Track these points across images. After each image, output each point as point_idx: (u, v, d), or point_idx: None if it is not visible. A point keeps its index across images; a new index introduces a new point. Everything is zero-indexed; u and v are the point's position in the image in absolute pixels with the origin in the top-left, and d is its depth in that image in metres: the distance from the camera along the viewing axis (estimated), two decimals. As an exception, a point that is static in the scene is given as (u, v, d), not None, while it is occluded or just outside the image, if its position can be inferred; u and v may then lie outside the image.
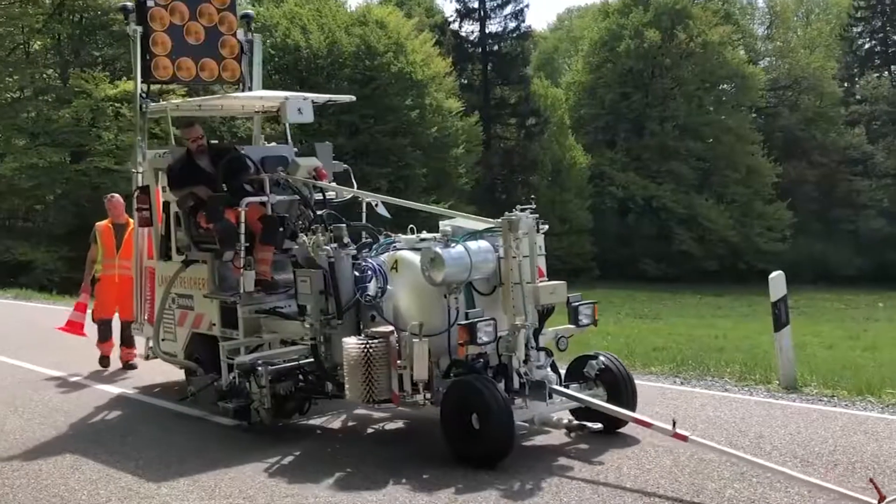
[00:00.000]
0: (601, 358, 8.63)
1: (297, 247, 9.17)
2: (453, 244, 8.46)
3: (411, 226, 9.26)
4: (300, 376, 9.30)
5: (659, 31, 59.29)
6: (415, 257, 8.64)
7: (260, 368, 9.02)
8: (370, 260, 8.80)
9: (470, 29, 61.21)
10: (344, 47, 48.08)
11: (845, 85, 62.60)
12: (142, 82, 11.34)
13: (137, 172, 11.52)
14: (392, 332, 8.23)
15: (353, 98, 12.54)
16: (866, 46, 64.74)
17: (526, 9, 62.65)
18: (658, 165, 59.20)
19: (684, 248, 57.01)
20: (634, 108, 60.39)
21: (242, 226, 9.84)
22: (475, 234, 8.68)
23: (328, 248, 8.81)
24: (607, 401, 8.33)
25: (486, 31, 60.55)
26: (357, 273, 8.80)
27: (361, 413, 9.88)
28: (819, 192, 61.06)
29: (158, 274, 11.34)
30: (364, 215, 10.75)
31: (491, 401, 7.74)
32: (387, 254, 8.94)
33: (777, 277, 11.16)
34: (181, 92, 19.55)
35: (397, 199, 10.51)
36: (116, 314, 13.40)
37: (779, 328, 11.07)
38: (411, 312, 8.62)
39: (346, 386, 8.39)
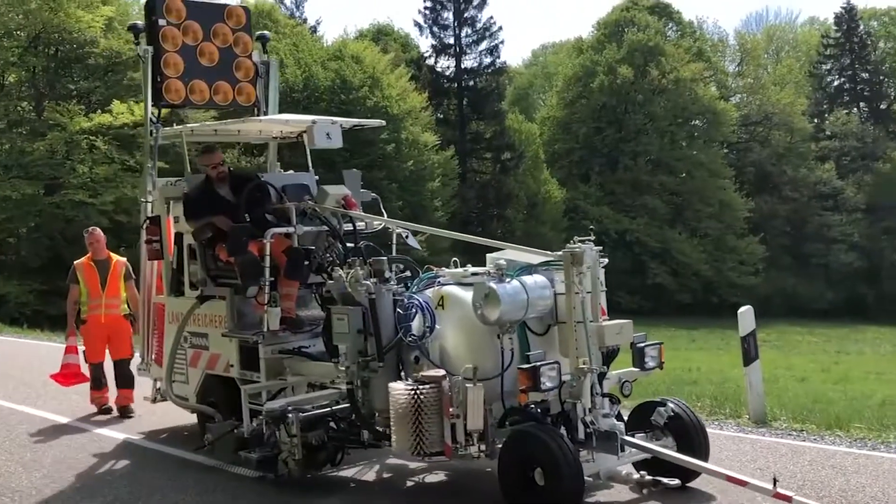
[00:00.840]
0: (670, 404, 7.80)
1: (331, 282, 8.28)
2: (508, 279, 7.63)
3: (455, 259, 8.42)
4: (332, 424, 8.40)
5: (632, 67, 59.10)
6: (464, 293, 7.82)
7: (291, 416, 8.11)
8: (415, 296, 7.93)
9: (446, 64, 60.71)
10: (320, 81, 47.52)
11: (815, 121, 62.56)
12: (152, 106, 10.46)
13: (147, 202, 10.61)
14: (444, 376, 7.37)
15: (383, 123, 11.72)
16: (835, 83, 64.83)
17: (501, 45, 62.39)
18: (631, 200, 58.85)
19: (658, 282, 56.65)
20: (608, 142, 60.06)
21: (268, 259, 8.97)
22: (529, 268, 7.86)
23: (368, 282, 7.95)
24: (677, 451, 7.49)
25: (462, 66, 60.01)
26: (399, 310, 7.94)
27: (397, 463, 8.98)
28: (790, 226, 60.92)
29: (169, 310, 10.42)
30: (394, 247, 9.91)
31: (559, 454, 6.91)
32: (431, 289, 8.08)
33: (746, 312, 11.15)
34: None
35: (438, 230, 9.66)
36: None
37: (748, 363, 11.06)
38: (460, 354, 7.78)
39: (393, 436, 7.51)
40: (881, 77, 65.05)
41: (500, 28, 61.37)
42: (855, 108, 63.49)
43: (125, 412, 11.88)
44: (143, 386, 11.63)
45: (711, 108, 59.63)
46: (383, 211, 9.99)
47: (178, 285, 10.28)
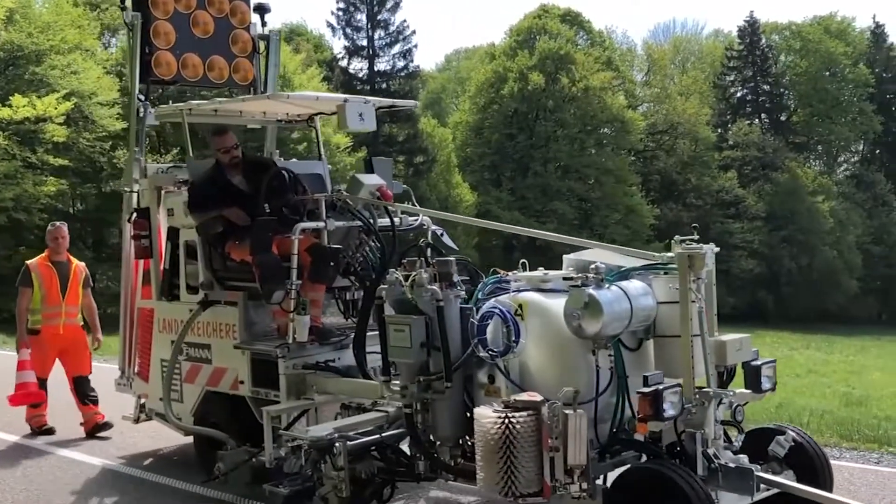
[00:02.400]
0: (790, 432, 6.54)
1: (385, 287, 6.84)
2: (607, 285, 6.29)
3: (523, 261, 7.06)
4: (380, 453, 6.96)
5: (543, 74, 58.28)
6: (548, 301, 6.48)
7: (338, 445, 6.64)
8: (496, 303, 6.54)
9: (359, 66, 59.02)
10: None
11: (718, 131, 62.64)
12: (139, 82, 8.88)
13: (132, 191, 9.00)
14: (543, 401, 5.99)
15: (416, 104, 10.29)
16: (738, 95, 65.02)
17: (414, 49, 60.69)
18: (542, 205, 58.02)
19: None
20: (519, 148, 59.14)
21: (295, 259, 7.50)
22: (624, 273, 6.55)
23: (434, 287, 6.54)
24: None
25: (375, 69, 58.49)
26: (473, 320, 6.56)
27: (443, 495, 7.57)
28: (694, 232, 60.76)
29: (158, 317, 8.85)
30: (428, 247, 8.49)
31: (692, 496, 5.61)
32: (505, 296, 6.69)
33: None
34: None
35: (503, 225, 8.32)
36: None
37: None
38: (546, 373, 6.44)
39: (479, 472, 6.09)
40: (781, 89, 65.50)
41: (414, 32, 59.84)
42: (756, 119, 63.77)
43: (103, 428, 10.18)
44: (114, 403, 9.94)
45: (620, 116, 59.15)
46: (416, 205, 8.54)
47: (170, 288, 8.70)
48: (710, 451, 6.09)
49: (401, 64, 59.19)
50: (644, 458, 6.36)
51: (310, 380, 7.73)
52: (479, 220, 8.64)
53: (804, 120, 64.33)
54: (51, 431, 10.39)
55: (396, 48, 59.00)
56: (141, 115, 9.01)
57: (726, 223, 60.12)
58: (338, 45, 68.98)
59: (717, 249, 6.33)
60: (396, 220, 7.97)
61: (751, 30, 63.16)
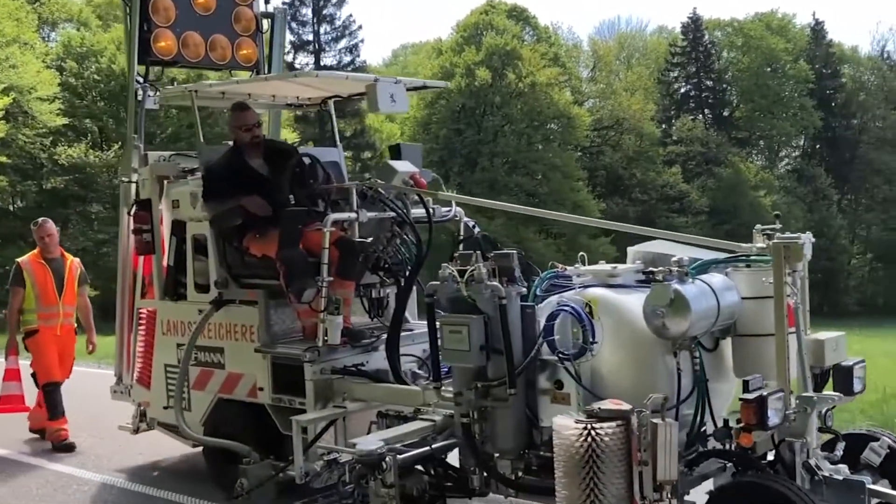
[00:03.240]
0: (885, 438, 5.93)
1: (436, 283, 6.12)
2: (690, 279, 5.64)
3: (582, 254, 6.38)
4: (429, 467, 6.25)
5: (490, 70, 57.72)
6: (623, 297, 5.83)
7: (388, 459, 5.90)
8: (565, 300, 5.85)
9: (305, 61, 57.86)
10: (175, 73, 44.07)
11: (663, 126, 62.52)
12: (138, 63, 8.06)
13: (131, 182, 8.17)
14: (632, 410, 5.30)
15: (447, 84, 9.53)
16: (682, 90, 65.02)
17: (361, 44, 60.17)
18: (490, 200, 57.49)
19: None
20: (467, 143, 58.54)
21: (326, 253, 6.74)
22: (704, 266, 5.90)
23: (494, 284, 5.83)
24: None
25: (321, 63, 57.44)
26: (540, 319, 5.88)
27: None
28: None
29: (162, 319, 8.04)
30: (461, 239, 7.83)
31: (808, 514, 4.98)
32: (570, 293, 6.01)
33: None
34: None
35: (547, 212, 7.59)
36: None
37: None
38: (621, 377, 5.78)
39: (559, 491, 5.39)
40: (724, 85, 65.58)
41: (360, 27, 59.19)
42: (700, 115, 63.79)
43: (64, 447, 9.37)
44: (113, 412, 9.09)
45: (566, 112, 58.76)
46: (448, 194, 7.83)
47: (175, 287, 7.89)
48: (812, 461, 5.45)
49: (347, 59, 58.24)
50: (731, 470, 5.70)
51: (339, 386, 6.99)
52: (522, 207, 7.92)
53: (746, 115, 64.50)
54: (71, 448, 9.45)
55: (342, 43, 58.19)
56: (139, 98, 8.18)
57: (671, 217, 60.08)
58: (283, 39, 67.71)
59: (813, 240, 5.67)
60: (431, 210, 7.25)
61: (694, 26, 63.17)
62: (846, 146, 64.33)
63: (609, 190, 60.93)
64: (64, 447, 9.38)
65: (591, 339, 5.66)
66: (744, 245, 5.91)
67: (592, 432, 5.18)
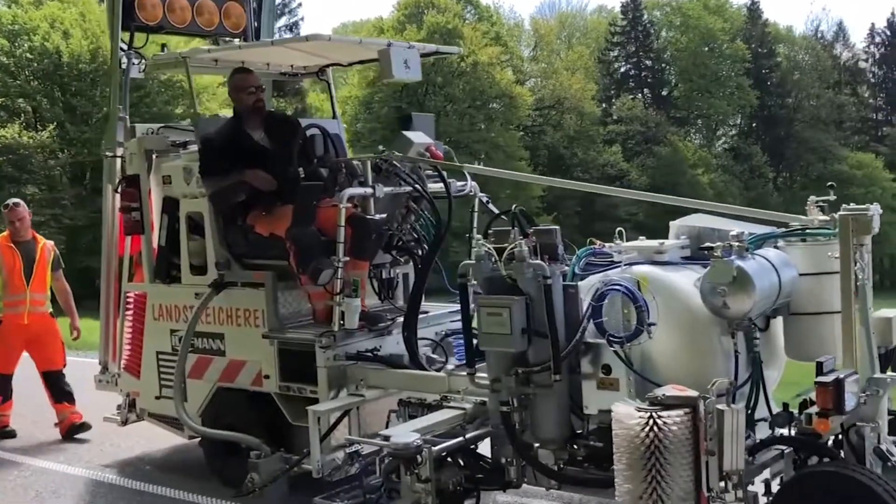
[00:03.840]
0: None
1: (470, 262, 5.64)
2: (750, 255, 5.23)
3: (620, 229, 5.94)
4: (463, 459, 5.79)
5: (432, 49, 57.11)
6: (674, 275, 5.41)
7: (424, 452, 5.41)
8: (616, 279, 5.40)
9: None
10: (107, 53, 42.79)
11: (603, 105, 62.56)
12: (122, 29, 7.45)
13: (117, 156, 7.55)
14: (699, 397, 4.88)
15: (461, 50, 9.00)
16: (622, 70, 65.08)
17: (301, 22, 59.10)
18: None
19: (460, 260, 55.06)
20: (409, 123, 57.92)
21: (342, 231, 6.22)
22: (759, 241, 5.50)
23: (538, 262, 5.37)
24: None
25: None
26: (589, 300, 5.43)
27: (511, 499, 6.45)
28: (581, 206, 60.63)
29: (152, 303, 7.45)
30: (475, 216, 7.39)
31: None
32: (615, 272, 5.57)
33: None
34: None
35: (572, 182, 7.14)
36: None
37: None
38: (675, 360, 5.36)
39: (620, 485, 4.95)
40: (663, 64, 65.81)
41: (300, 4, 58.20)
42: (640, 94, 63.97)
43: (80, 429, 8.68)
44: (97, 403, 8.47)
45: (508, 91, 58.37)
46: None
47: (168, 269, 7.31)
48: (883, 446, 5.08)
49: (287, 37, 57.24)
50: (790, 458, 5.31)
51: (354, 373, 6.48)
52: (545, 178, 7.43)
53: (685, 94, 64.76)
54: (11, 434, 8.84)
55: (282, 21, 57.46)
56: (124, 67, 7.57)
57: (611, 197, 60.19)
58: (219, 17, 66.48)
59: (881, 211, 5.28)
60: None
61: (633, 6, 63.22)
62: (781, 124, 64.93)
63: (551, 169, 60.67)
64: (4, 433, 8.85)
65: (647, 321, 5.20)
66: (803, 217, 5.50)
67: (659, 421, 4.75)
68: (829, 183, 5.79)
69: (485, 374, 5.70)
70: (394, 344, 6.76)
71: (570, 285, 5.54)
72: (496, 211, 7.32)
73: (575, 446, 5.55)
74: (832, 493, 4.76)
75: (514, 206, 5.84)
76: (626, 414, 4.88)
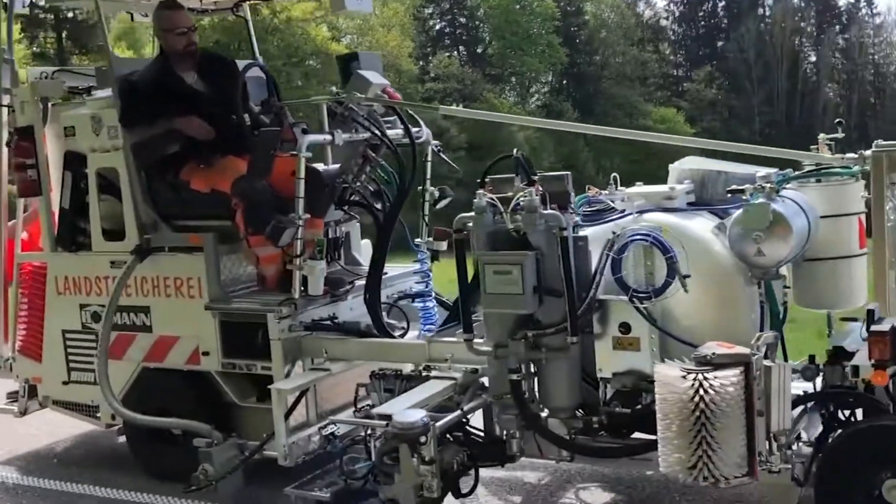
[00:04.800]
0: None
1: (471, 215, 4.98)
2: (779, 198, 4.78)
3: (615, 174, 5.41)
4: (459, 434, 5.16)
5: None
6: (692, 223, 4.92)
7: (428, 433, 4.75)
8: (638, 228, 4.85)
9: (34, -3, 53.27)
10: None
11: (420, 63, 62.02)
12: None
13: (3, 105, 6.46)
14: (750, 355, 4.40)
15: None
16: (437, 27, 64.70)
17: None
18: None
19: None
20: (223, 82, 56.02)
21: (302, 184, 5.44)
22: (781, 182, 5.05)
23: (551, 212, 4.77)
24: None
25: (42, 4, 52.95)
26: (607, 252, 4.86)
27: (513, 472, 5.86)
28: (838, 129, 59.73)
29: (54, 275, 6.44)
30: (429, 165, 6.70)
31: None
32: (626, 220, 5.02)
33: None
34: None
35: (576, 125, 6.51)
36: None
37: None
38: (700, 315, 4.85)
39: (664, 453, 4.43)
40: (477, 22, 65.77)
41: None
42: (455, 52, 63.76)
43: None
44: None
45: (324, 48, 57.09)
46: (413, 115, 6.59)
47: (72, 235, 6.32)
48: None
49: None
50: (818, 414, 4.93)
51: (311, 344, 5.72)
52: (531, 119, 6.80)
53: (499, 52, 64.87)
54: None
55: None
56: (6, 1, 6.47)
57: (432, 154, 59.99)
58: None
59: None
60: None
61: (446, -37, 62.86)
62: (590, 81, 66.10)
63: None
64: None
65: (682, 272, 4.68)
66: (825, 156, 5.08)
67: (715, 382, 4.24)
68: (838, 119, 5.39)
69: (482, 340, 5.07)
70: (346, 310, 6.05)
71: (579, 237, 4.96)
72: (449, 161, 6.70)
73: (589, 414, 5.00)
74: (881, 444, 4.40)
75: (515, 151, 5.16)
76: (672, 376, 4.36)
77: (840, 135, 5.17)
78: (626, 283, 4.79)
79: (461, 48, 64.43)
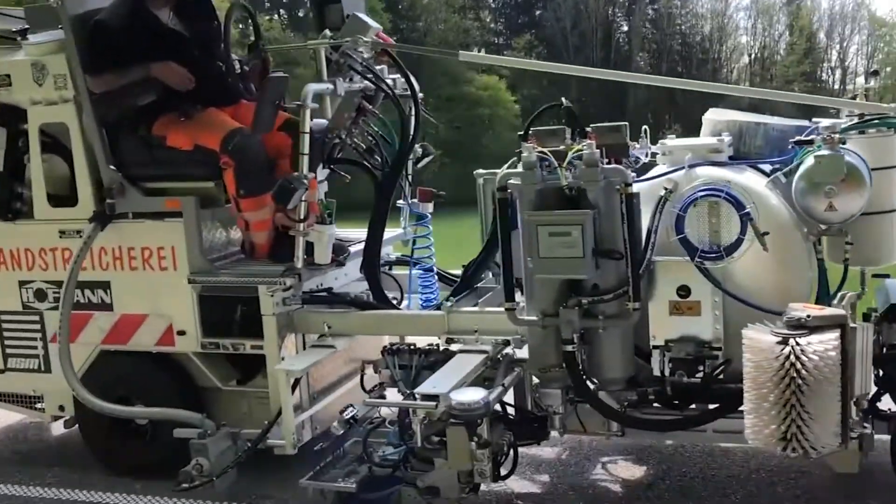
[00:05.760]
0: None
1: (517, 171, 4.47)
2: (844, 149, 4.49)
3: (645, 126, 5.00)
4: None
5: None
6: (746, 178, 4.58)
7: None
8: (714, 183, 4.46)
9: None
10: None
11: (241, 27, 60.06)
12: None
13: (-80, 51, 5.52)
14: (845, 315, 4.10)
15: None
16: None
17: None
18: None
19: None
20: None
21: (306, 139, 4.82)
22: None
23: (616, 167, 4.34)
24: None
25: None
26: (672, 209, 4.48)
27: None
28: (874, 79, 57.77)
29: (-13, 246, 5.55)
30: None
31: None
32: (677, 175, 4.63)
33: None
34: None
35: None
36: None
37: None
38: (760, 275, 4.53)
39: (752, 424, 4.08)
40: (295, -11, 64.39)
41: None
42: (276, 15, 62.17)
43: None
44: None
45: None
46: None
47: (9, 201, 5.48)
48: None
49: None
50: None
51: (307, 319, 5.11)
52: (551, 65, 6.29)
53: (320, 17, 63.85)
54: None
55: None
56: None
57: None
58: None
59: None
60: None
61: (266, -76, 61.04)
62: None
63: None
64: None
65: (760, 230, 4.32)
66: (883, 105, 4.82)
67: (818, 346, 3.92)
68: (874, 69, 5.14)
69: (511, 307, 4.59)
70: (331, 280, 5.45)
71: (632, 194, 4.53)
72: (431, 116, 6.13)
73: (636, 386, 4.62)
74: None
75: (563, 99, 4.67)
76: (764, 340, 4.01)
77: (874, 83, 4.90)
78: (692, 243, 4.40)
79: (282, 11, 62.88)
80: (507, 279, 4.57)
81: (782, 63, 40.27)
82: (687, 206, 4.40)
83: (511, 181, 4.45)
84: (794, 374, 3.89)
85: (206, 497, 4.95)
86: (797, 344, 3.91)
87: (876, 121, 4.75)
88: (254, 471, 5.14)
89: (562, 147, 4.40)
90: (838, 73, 46.60)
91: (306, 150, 4.81)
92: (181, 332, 5.18)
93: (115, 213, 5.15)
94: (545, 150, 4.37)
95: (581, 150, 4.31)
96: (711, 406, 4.58)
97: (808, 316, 4.03)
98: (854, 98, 4.93)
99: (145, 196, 5.20)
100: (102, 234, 5.19)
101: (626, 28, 73.60)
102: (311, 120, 5.04)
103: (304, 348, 5.19)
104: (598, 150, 4.32)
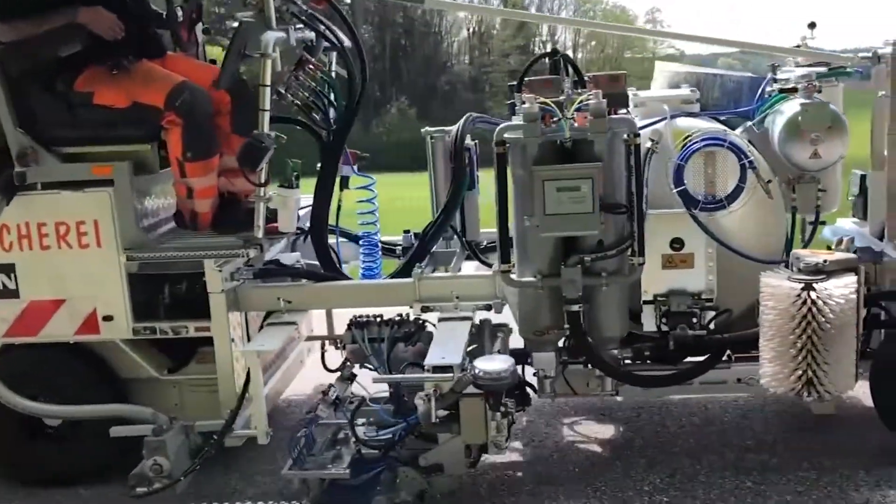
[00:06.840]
0: None
1: (511, 123, 4.21)
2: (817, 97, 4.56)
3: (623, 71, 4.81)
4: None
5: None
6: (720, 128, 4.58)
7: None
8: (712, 133, 4.37)
9: None
10: None
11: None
12: None
13: None
14: (858, 259, 4.16)
15: None
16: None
17: None
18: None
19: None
20: None
21: (267, 94, 4.32)
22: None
23: (624, 117, 4.19)
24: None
25: None
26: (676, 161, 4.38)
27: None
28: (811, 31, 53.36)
29: None
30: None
31: None
32: (657, 127, 4.52)
33: None
34: None
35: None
36: None
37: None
38: (744, 224, 4.54)
39: (769, 370, 4.07)
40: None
41: None
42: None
43: None
44: None
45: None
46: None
47: None
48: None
49: None
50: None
51: (263, 295, 4.60)
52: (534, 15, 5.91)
53: None
54: None
55: None
56: None
57: None
58: None
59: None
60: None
61: None
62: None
63: None
64: None
65: (764, 179, 4.30)
66: (842, 55, 4.91)
67: (841, 290, 3.96)
68: (812, 21, 5.21)
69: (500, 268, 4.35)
70: (276, 251, 4.97)
71: (639, 145, 4.36)
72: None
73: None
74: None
75: (557, 51, 4.40)
76: (782, 286, 4.00)
77: (814, 35, 5.00)
78: (691, 195, 4.31)
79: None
80: (502, 241, 4.29)
81: (498, 37, 41.51)
82: (688, 156, 4.29)
83: (508, 135, 4.16)
84: (821, 319, 3.89)
85: (168, 500, 4.34)
86: (824, 289, 3.91)
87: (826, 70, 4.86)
88: (217, 466, 4.61)
89: (561, 98, 4.17)
90: (549, 46, 48.75)
91: (267, 105, 4.28)
92: (107, 318, 4.51)
93: (24, 183, 4.39)
94: (548, 100, 4.12)
95: (587, 101, 4.09)
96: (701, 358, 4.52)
97: (825, 261, 4.04)
98: (798, 48, 4.97)
99: (63, 163, 4.47)
100: (16, 207, 4.42)
101: (348, 1, 73.51)
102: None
103: (248, 328, 4.69)
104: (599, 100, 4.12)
